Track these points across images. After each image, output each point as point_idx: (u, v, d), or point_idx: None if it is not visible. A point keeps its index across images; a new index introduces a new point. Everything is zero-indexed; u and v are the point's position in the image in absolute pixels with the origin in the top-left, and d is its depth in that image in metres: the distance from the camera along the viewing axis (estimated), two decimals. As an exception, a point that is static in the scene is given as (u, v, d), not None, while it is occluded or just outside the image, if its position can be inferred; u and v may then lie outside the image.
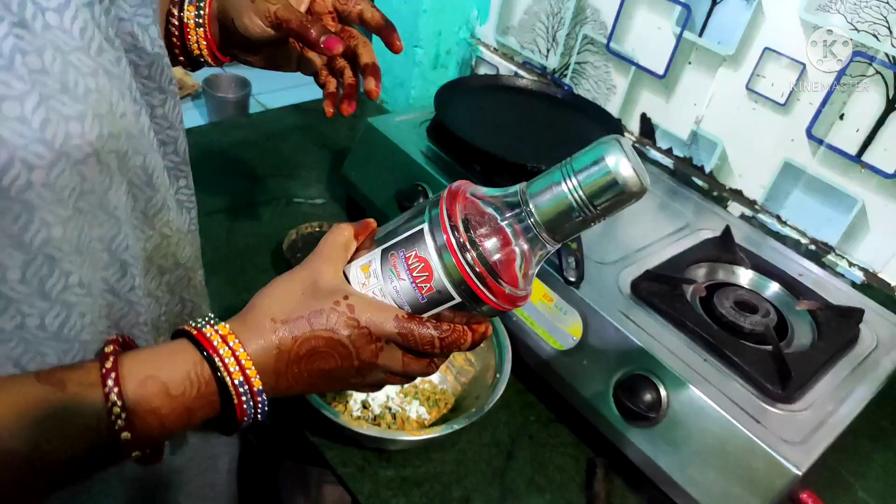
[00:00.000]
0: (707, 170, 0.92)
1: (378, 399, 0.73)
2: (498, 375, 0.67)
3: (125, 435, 0.35)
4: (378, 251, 0.43)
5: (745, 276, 0.75)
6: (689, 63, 0.89)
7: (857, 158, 0.77)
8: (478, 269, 0.40)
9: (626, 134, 0.98)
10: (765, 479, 0.55)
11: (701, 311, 0.67)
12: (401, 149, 0.85)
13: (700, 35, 0.86)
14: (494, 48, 1.16)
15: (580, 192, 0.38)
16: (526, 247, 0.41)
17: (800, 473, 0.53)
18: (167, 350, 0.39)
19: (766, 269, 0.75)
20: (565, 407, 0.70)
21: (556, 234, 0.40)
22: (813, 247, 0.83)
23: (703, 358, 0.62)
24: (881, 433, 0.77)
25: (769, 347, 0.62)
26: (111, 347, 0.37)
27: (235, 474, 0.77)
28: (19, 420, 0.32)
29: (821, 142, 0.80)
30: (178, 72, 1.26)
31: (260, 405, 0.40)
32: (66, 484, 0.36)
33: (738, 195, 0.90)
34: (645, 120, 0.97)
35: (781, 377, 0.59)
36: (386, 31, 0.60)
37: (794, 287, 0.73)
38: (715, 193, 0.91)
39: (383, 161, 0.87)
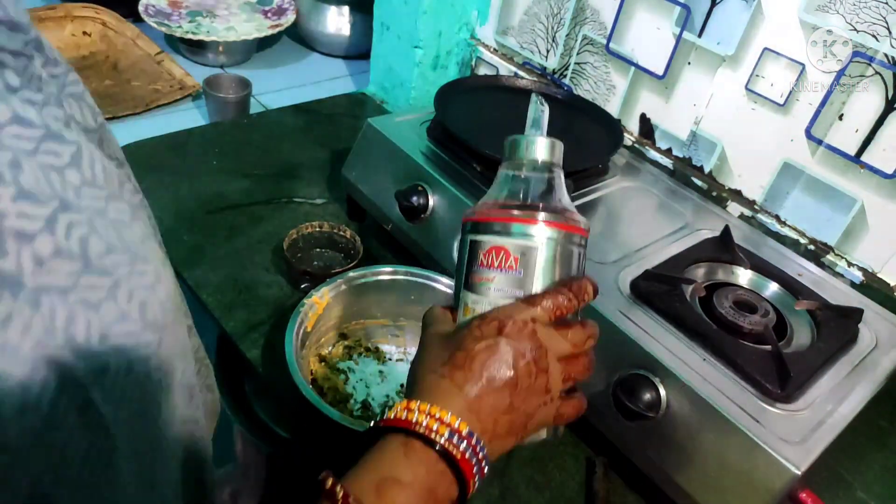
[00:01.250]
0: (706, 170, 0.92)
1: (378, 399, 0.73)
2: (498, 375, 0.68)
3: None
4: (462, 291, 0.46)
5: (744, 276, 0.75)
6: (689, 63, 0.89)
7: (856, 159, 0.77)
8: (531, 205, 0.45)
9: (625, 134, 0.99)
10: (764, 478, 0.55)
11: (700, 311, 0.67)
12: (401, 149, 0.85)
13: (699, 35, 0.87)
14: (494, 49, 1.16)
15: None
16: (533, 175, 0.47)
17: (799, 473, 0.54)
18: (373, 454, 0.39)
19: (765, 269, 0.75)
20: (565, 406, 0.70)
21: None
22: (812, 247, 0.83)
23: (703, 357, 0.62)
24: (880, 432, 0.77)
25: (768, 347, 0.63)
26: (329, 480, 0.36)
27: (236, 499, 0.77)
28: None
29: (820, 142, 0.80)
30: (178, 72, 1.26)
31: (478, 449, 0.39)
32: None
33: (737, 195, 0.90)
34: (644, 120, 0.97)
35: (781, 377, 0.59)
36: None
37: (793, 287, 0.73)
38: (714, 193, 0.91)
39: (383, 161, 0.87)
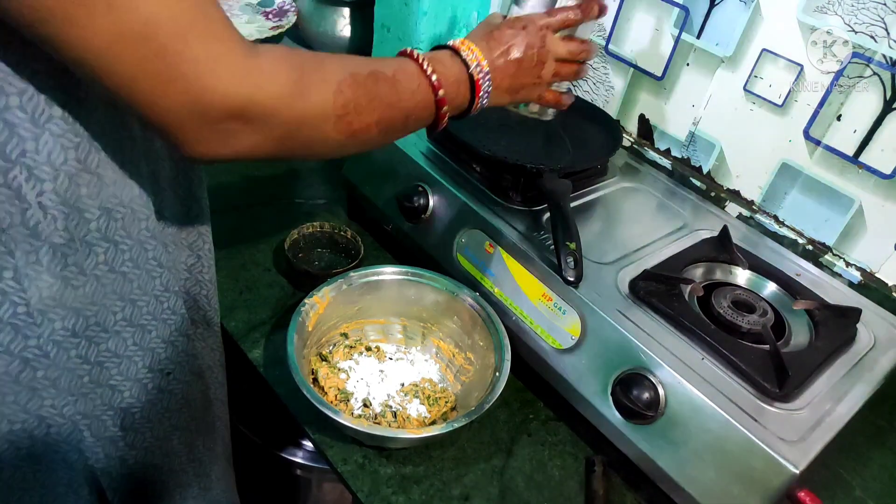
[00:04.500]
0: (705, 170, 0.92)
1: (379, 398, 0.73)
2: (497, 374, 0.68)
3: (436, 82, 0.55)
4: (511, 5, 0.64)
5: (742, 276, 0.75)
6: (688, 65, 0.89)
7: (854, 159, 0.78)
8: None
9: (624, 135, 0.99)
10: (763, 477, 0.56)
11: (699, 311, 0.68)
12: (401, 150, 0.85)
13: (698, 37, 0.87)
14: (494, 50, 1.16)
15: None
16: None
17: (797, 472, 0.54)
18: (431, 53, 0.58)
19: (763, 269, 0.75)
20: (564, 405, 0.70)
21: None
22: (810, 247, 0.84)
23: (701, 357, 0.62)
24: (878, 432, 0.77)
25: (767, 347, 0.63)
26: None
27: (228, 480, 0.78)
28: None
29: (818, 143, 0.80)
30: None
31: (486, 83, 0.58)
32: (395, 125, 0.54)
33: (735, 196, 0.90)
34: (643, 121, 0.98)
35: (779, 376, 0.60)
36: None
37: (791, 287, 0.73)
38: (713, 194, 0.91)
39: (384, 162, 0.88)
